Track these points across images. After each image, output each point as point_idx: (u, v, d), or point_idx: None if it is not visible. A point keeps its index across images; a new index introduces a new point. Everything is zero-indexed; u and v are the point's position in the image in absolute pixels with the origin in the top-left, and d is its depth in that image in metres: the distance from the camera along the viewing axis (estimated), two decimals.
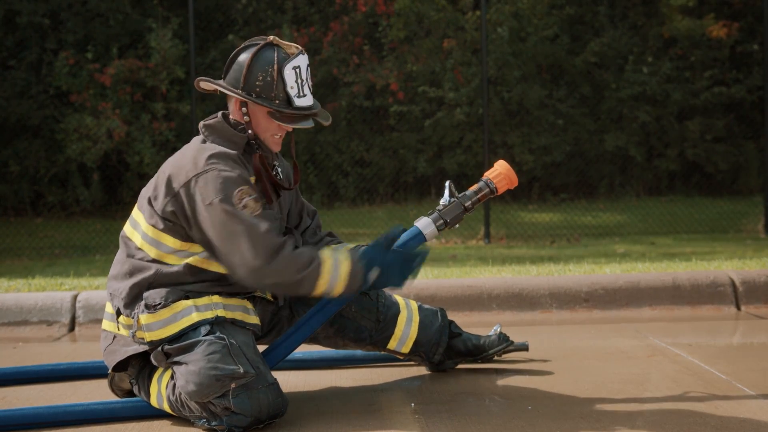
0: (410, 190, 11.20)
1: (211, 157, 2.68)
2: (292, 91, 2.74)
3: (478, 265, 5.82)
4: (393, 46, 11.32)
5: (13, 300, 4.45)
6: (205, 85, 2.89)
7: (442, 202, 2.99)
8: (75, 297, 4.47)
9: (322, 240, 3.09)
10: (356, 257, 2.68)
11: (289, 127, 2.81)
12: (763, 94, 8.87)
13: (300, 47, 2.79)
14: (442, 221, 2.96)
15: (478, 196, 3.02)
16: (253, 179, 2.76)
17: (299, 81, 2.75)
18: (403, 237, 2.96)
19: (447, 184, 3.02)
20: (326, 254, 2.67)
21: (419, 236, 2.95)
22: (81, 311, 4.42)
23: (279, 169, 2.93)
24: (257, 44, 2.78)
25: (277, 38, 2.80)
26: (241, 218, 2.61)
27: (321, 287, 2.65)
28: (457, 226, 3.02)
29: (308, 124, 2.80)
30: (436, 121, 10.90)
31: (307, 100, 2.78)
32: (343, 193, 11.00)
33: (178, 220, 2.69)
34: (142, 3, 11.39)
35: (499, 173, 3.03)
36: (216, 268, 2.74)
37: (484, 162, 8.49)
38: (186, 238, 2.71)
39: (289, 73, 2.74)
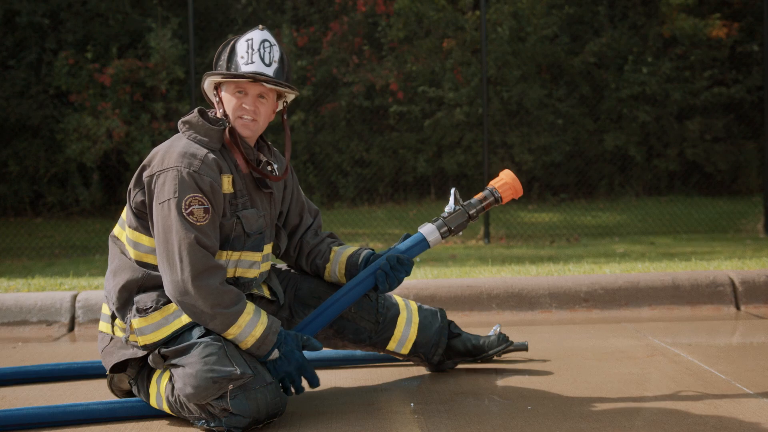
0: (410, 189, 11.20)
1: (179, 154, 2.67)
2: (242, 60, 2.76)
3: (478, 265, 5.82)
4: (393, 46, 11.33)
5: (12, 300, 4.45)
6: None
7: (447, 209, 3.00)
8: (74, 297, 4.47)
9: (323, 241, 3.08)
10: (275, 329, 2.67)
11: (252, 104, 2.76)
12: (763, 94, 8.87)
13: (261, 26, 2.83)
14: (446, 228, 2.97)
15: (483, 205, 3.02)
16: (227, 178, 2.72)
17: (249, 51, 2.77)
18: (408, 242, 2.96)
19: (452, 191, 3.03)
20: (249, 308, 2.65)
21: (423, 243, 2.96)
22: (80, 311, 4.41)
23: (275, 166, 2.92)
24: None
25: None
26: (182, 225, 2.60)
27: (231, 334, 2.63)
28: (461, 233, 3.03)
29: (244, 79, 2.74)
30: (435, 121, 10.90)
31: (255, 67, 2.76)
32: (343, 193, 11.00)
33: (147, 212, 2.71)
34: (141, 3, 11.40)
35: (505, 183, 3.03)
36: None
37: (484, 162, 8.49)
38: None
39: (241, 45, 2.78)
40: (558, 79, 11.50)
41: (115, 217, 10.16)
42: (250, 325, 2.63)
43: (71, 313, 4.42)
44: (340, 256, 3.04)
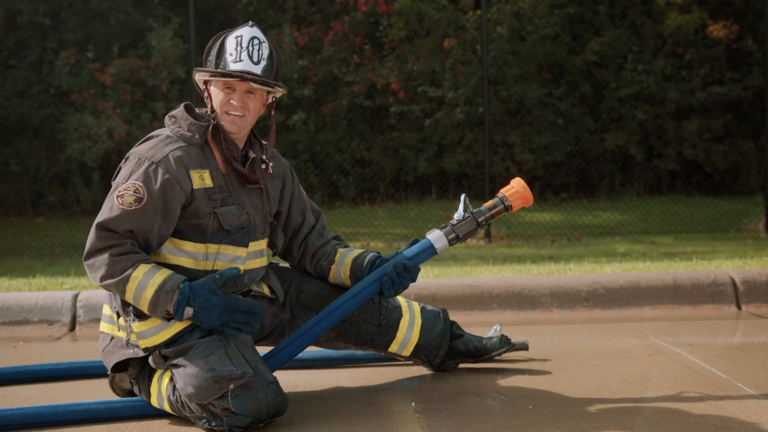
0: (411, 189, 11.20)
1: (147, 146, 2.73)
2: (230, 57, 2.78)
3: (479, 265, 5.82)
4: (393, 46, 11.32)
5: (13, 299, 4.45)
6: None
7: (456, 216, 2.97)
8: (76, 296, 4.47)
9: (328, 242, 3.07)
10: (170, 287, 2.59)
11: (239, 100, 2.77)
12: (763, 93, 8.86)
13: (250, 22, 2.85)
14: (454, 235, 2.94)
15: (492, 213, 2.98)
16: (199, 174, 2.72)
17: (238, 48, 2.78)
18: (415, 248, 2.94)
19: (462, 198, 2.99)
20: (139, 272, 2.60)
21: (430, 249, 2.93)
22: (81, 311, 4.42)
23: (271, 164, 2.92)
24: None
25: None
26: (106, 206, 2.66)
27: (130, 300, 2.63)
28: (468, 240, 3.01)
29: (233, 78, 2.75)
30: (436, 121, 10.90)
31: (243, 65, 2.77)
32: (344, 193, 11.00)
33: None
34: (142, 2, 11.40)
35: (516, 191, 2.99)
36: (180, 261, 2.74)
37: (485, 161, 8.49)
38: None
39: (230, 42, 2.79)
40: (559, 78, 11.49)
41: None
42: (141, 288, 2.60)
43: (72, 312, 4.42)
44: (345, 258, 3.02)
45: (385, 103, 11.07)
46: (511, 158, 10.91)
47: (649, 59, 11.33)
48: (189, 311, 2.60)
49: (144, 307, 2.62)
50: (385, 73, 10.95)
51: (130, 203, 2.63)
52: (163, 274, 2.62)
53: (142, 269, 2.61)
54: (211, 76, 2.78)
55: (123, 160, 2.77)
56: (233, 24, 11.47)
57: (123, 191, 2.65)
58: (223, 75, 2.75)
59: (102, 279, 2.61)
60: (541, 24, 11.23)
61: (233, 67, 2.76)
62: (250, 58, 2.77)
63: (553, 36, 11.36)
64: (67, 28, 11.08)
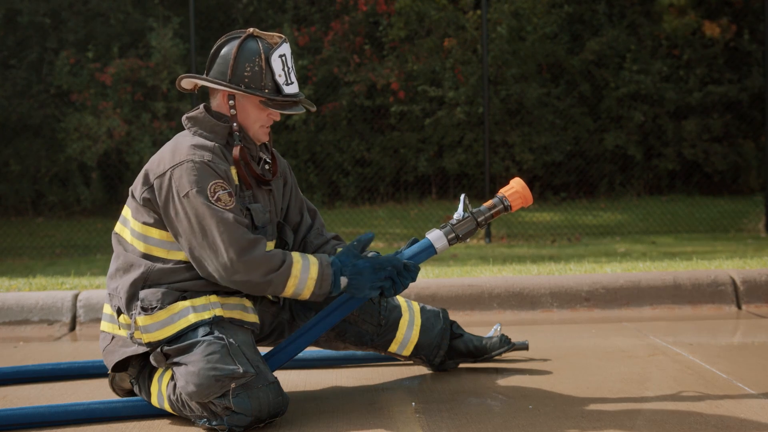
0: (411, 189, 11.21)
1: (189, 147, 2.69)
2: (281, 79, 2.75)
3: (479, 265, 5.82)
4: (394, 46, 11.32)
5: (14, 299, 4.45)
6: (187, 83, 2.89)
7: (455, 216, 2.97)
8: (76, 296, 4.47)
9: (328, 242, 3.07)
10: (326, 262, 2.69)
11: (279, 115, 2.82)
12: (763, 93, 8.85)
13: (282, 36, 2.80)
14: (454, 235, 2.95)
15: (492, 212, 2.99)
16: (233, 170, 2.74)
17: (286, 69, 2.76)
18: (414, 248, 2.94)
19: (462, 198, 3.00)
20: (296, 257, 2.67)
21: (430, 249, 2.93)
22: (82, 310, 4.42)
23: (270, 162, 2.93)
24: (239, 36, 2.77)
25: (257, 30, 2.80)
26: (214, 211, 2.60)
27: (290, 289, 2.66)
28: (468, 240, 3.01)
29: (299, 110, 2.80)
30: (436, 121, 10.90)
31: (294, 88, 2.79)
32: (344, 193, 11.00)
33: (154, 210, 2.70)
34: (143, 2, 11.40)
35: (515, 191, 3.00)
36: None
37: (485, 161, 8.49)
38: None
39: (276, 62, 2.74)
40: (558, 78, 11.50)
41: (116, 216, 10.13)
42: (305, 270, 2.66)
43: (72, 312, 4.42)
44: None
45: (385, 103, 11.07)
46: (511, 158, 10.91)
47: (647, 59, 11.33)
48: (344, 280, 2.69)
49: (308, 290, 2.66)
50: (385, 73, 10.95)
51: (230, 200, 2.64)
52: (310, 255, 2.72)
53: (294, 255, 2.67)
54: (273, 104, 2.73)
55: (156, 178, 2.67)
56: (233, 24, 11.49)
57: (215, 195, 2.61)
58: (285, 102, 2.74)
59: (266, 274, 2.61)
60: (540, 23, 11.24)
61: (288, 90, 2.76)
62: (294, 77, 2.79)
63: (552, 36, 11.36)
64: (67, 28, 11.08)
